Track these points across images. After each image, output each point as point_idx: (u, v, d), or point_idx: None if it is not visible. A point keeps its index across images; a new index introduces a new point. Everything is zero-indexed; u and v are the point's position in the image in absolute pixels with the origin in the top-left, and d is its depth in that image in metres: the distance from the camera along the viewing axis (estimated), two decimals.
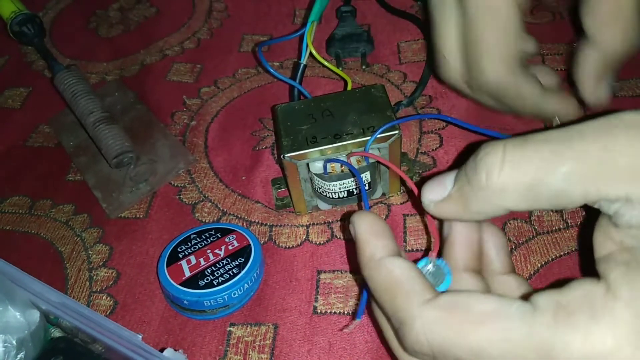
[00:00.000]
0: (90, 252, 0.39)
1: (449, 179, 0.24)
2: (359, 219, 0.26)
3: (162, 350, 0.29)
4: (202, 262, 0.35)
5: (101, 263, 0.38)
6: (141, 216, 0.41)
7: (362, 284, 0.26)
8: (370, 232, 0.25)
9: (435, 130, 0.43)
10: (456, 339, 0.21)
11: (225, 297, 0.33)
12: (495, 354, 0.20)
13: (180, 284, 0.33)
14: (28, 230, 0.41)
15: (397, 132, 0.34)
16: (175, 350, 0.30)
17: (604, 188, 0.19)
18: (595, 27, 0.31)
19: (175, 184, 0.43)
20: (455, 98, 0.44)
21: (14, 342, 0.31)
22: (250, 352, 0.32)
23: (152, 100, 0.50)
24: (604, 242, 0.21)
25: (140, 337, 0.29)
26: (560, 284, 0.21)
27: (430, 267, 0.25)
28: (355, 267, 0.36)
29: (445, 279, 0.25)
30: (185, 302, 0.33)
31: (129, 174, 0.43)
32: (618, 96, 0.42)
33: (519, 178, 0.20)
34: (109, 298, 0.36)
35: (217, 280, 0.33)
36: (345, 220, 0.39)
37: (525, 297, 0.21)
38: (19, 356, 0.31)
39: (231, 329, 0.34)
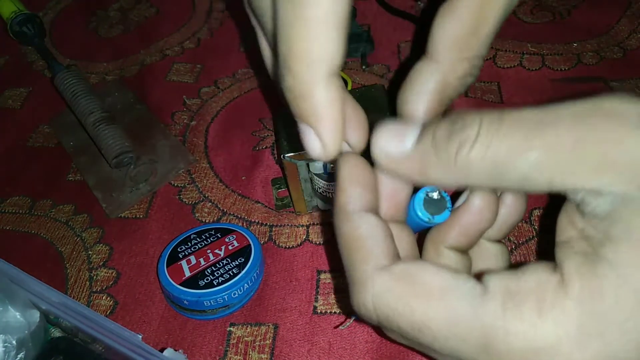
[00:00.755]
0: (90, 252, 0.39)
1: (410, 134, 0.22)
2: (343, 162, 0.24)
3: (162, 350, 0.29)
4: (202, 262, 0.35)
5: (101, 263, 0.38)
6: (141, 216, 0.41)
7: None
8: (350, 178, 0.23)
9: None
10: (402, 310, 0.20)
11: (225, 297, 0.33)
12: (437, 331, 0.20)
13: (180, 284, 0.34)
14: (28, 230, 0.41)
15: None
16: (175, 350, 0.30)
17: (570, 179, 0.19)
18: (443, 45, 0.25)
19: (175, 184, 0.43)
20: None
21: (14, 342, 0.31)
22: (250, 352, 0.33)
23: (152, 101, 0.50)
24: (566, 227, 0.20)
25: (140, 337, 0.29)
26: (520, 265, 0.21)
27: (435, 194, 0.25)
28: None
29: (444, 212, 0.25)
30: (185, 302, 0.33)
31: (129, 174, 0.43)
32: None
33: (487, 157, 0.19)
34: (109, 298, 0.36)
35: (217, 280, 0.33)
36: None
37: (479, 276, 0.21)
38: (19, 356, 0.31)
39: (231, 329, 0.34)
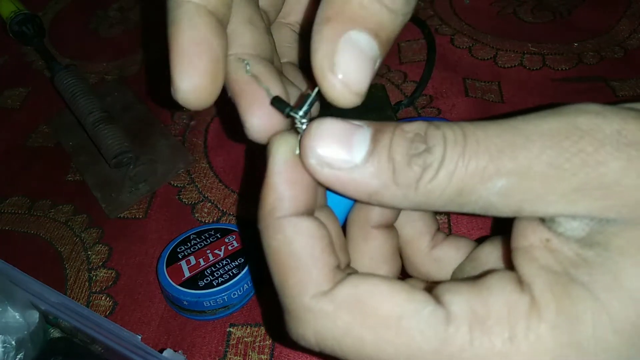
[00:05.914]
0: (89, 252, 0.39)
1: (358, 140, 0.18)
2: (277, 148, 0.19)
3: (161, 351, 0.29)
4: (202, 263, 0.34)
5: (100, 263, 0.38)
6: (141, 216, 0.41)
7: None
8: (283, 173, 0.19)
9: None
10: (351, 343, 0.18)
11: (225, 297, 0.33)
12: None
13: (179, 285, 0.33)
14: (27, 231, 0.41)
15: None
16: (175, 351, 0.30)
17: (542, 207, 0.17)
18: None
19: (175, 184, 0.43)
20: (456, 98, 0.44)
21: (14, 342, 0.31)
22: (250, 353, 0.32)
23: (152, 100, 0.50)
24: (525, 231, 0.18)
25: (140, 337, 0.28)
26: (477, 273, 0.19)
27: None
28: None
29: None
30: (184, 302, 0.33)
31: (129, 174, 0.43)
32: (618, 96, 0.42)
33: (451, 185, 0.17)
34: (108, 298, 0.36)
35: (216, 281, 0.33)
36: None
37: (431, 288, 0.19)
38: (19, 356, 0.31)
39: (231, 329, 0.34)
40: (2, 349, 0.31)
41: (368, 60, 0.18)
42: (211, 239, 0.36)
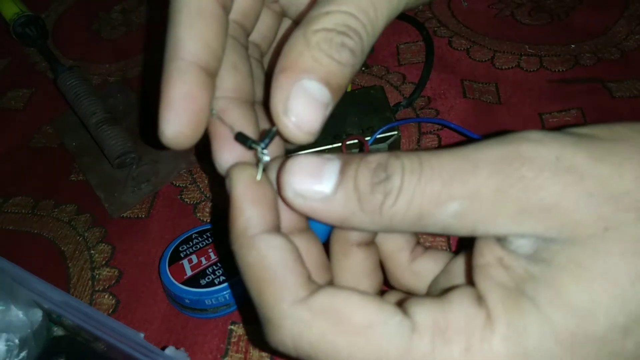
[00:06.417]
0: (92, 251, 0.40)
1: (327, 174, 0.20)
2: (237, 176, 0.21)
3: (163, 349, 0.29)
4: (204, 261, 0.35)
5: (103, 262, 0.39)
6: (143, 216, 0.41)
7: None
8: (247, 196, 0.21)
9: (434, 130, 0.43)
10: (325, 349, 0.19)
11: (226, 295, 0.34)
12: None
13: (181, 283, 0.34)
14: (31, 230, 0.42)
15: (396, 132, 0.34)
16: (177, 348, 0.30)
17: (492, 228, 0.19)
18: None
19: (177, 184, 0.43)
20: (454, 99, 0.45)
21: (17, 340, 0.31)
22: (251, 350, 0.33)
23: (155, 102, 0.50)
24: (483, 251, 0.20)
25: (142, 335, 0.29)
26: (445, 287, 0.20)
27: None
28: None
29: None
30: (186, 300, 0.34)
31: (131, 174, 0.43)
32: (615, 97, 0.43)
33: (411, 209, 0.19)
34: (111, 297, 0.37)
35: (218, 279, 0.34)
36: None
37: (402, 302, 0.20)
38: (22, 355, 0.31)
39: (232, 327, 0.34)
40: (6, 347, 0.31)
41: (319, 104, 0.21)
42: (213, 238, 0.36)
